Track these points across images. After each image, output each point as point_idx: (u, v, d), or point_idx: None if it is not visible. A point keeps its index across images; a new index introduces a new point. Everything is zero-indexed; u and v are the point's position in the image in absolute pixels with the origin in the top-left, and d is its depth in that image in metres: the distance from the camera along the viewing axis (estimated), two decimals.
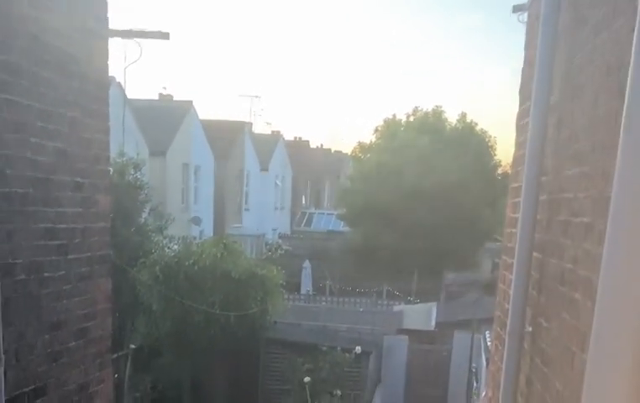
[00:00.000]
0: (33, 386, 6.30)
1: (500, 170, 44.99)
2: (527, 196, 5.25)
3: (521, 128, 6.47)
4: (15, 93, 5.77)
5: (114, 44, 7.68)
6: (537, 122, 5.14)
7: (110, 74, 7.79)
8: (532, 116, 5.20)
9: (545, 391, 4.91)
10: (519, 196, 5.64)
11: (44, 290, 6.38)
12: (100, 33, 7.32)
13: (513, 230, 6.25)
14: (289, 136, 66.75)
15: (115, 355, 15.04)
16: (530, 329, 5.44)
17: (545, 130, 5.13)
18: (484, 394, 12.57)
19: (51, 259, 6.46)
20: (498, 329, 7.26)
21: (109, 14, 7.52)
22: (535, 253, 5.35)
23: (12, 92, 5.72)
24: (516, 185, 6.44)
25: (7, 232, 5.70)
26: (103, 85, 7.47)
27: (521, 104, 6.63)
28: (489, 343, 17.28)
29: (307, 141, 72.40)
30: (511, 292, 5.51)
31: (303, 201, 68.76)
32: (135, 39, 8.19)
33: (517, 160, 6.57)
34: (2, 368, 5.60)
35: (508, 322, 5.53)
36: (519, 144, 6.52)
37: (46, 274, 6.39)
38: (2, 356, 5.57)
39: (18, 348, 6.01)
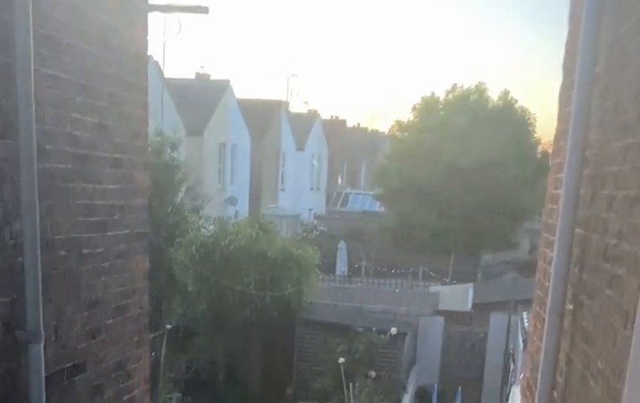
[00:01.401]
0: (72, 363, 6.31)
1: (539, 149, 44.50)
2: (570, 171, 5.17)
3: (564, 101, 6.37)
4: (55, 67, 5.75)
5: (154, 19, 7.65)
6: (582, 94, 5.04)
7: (149, 52, 7.78)
8: (576, 88, 5.10)
9: (586, 370, 4.84)
10: (561, 171, 5.55)
11: (83, 267, 6.39)
12: (140, 5, 7.30)
13: (554, 206, 6.17)
14: (326, 115, 66.77)
15: (152, 335, 15.14)
16: (571, 307, 5.36)
17: (589, 103, 5.04)
18: (521, 375, 12.49)
19: (90, 235, 6.46)
20: (537, 308, 7.19)
21: None
22: (577, 230, 5.27)
23: (52, 67, 5.70)
24: (558, 160, 6.35)
25: (48, 207, 5.70)
26: (143, 59, 7.45)
27: (565, 77, 6.53)
28: (526, 325, 17.21)
29: (344, 120, 72.54)
30: (552, 269, 5.43)
31: (339, 181, 68.78)
32: (174, 12, 8.16)
33: (560, 135, 6.47)
34: (42, 345, 5.62)
35: (548, 301, 5.46)
36: (562, 118, 6.42)
37: (85, 251, 6.39)
38: (42, 332, 5.58)
39: (57, 325, 6.02)
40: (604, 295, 4.48)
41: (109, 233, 6.81)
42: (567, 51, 6.53)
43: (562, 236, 5.29)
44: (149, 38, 7.54)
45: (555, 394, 5.53)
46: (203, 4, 7.94)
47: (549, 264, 5.97)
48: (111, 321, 7.03)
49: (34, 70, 5.27)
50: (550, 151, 8.15)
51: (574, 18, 6.27)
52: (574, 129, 5.12)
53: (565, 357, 5.46)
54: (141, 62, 7.39)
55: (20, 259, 5.40)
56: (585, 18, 5.02)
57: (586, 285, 5.04)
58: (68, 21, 5.92)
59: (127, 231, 7.20)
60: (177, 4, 8.04)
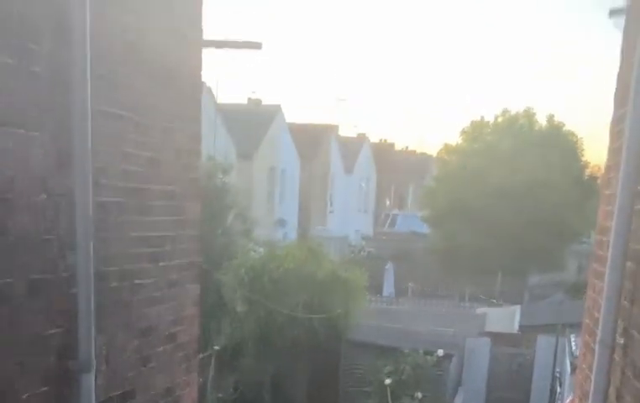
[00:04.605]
0: (121, 391, 6.39)
1: (587, 171, 44.39)
2: (621, 205, 5.16)
3: (615, 134, 6.35)
4: (110, 105, 5.86)
5: (207, 52, 7.74)
6: (634, 129, 5.02)
7: (202, 80, 7.87)
8: (629, 122, 5.09)
9: None
10: (612, 203, 5.53)
11: (135, 297, 6.47)
12: (195, 41, 7.38)
13: (605, 238, 6.14)
14: (374, 138, 66.90)
15: (200, 356, 15.23)
16: (622, 341, 5.33)
17: None
18: (568, 400, 12.38)
19: (142, 266, 6.54)
20: (587, 337, 7.15)
21: (203, 24, 7.59)
22: (629, 263, 5.25)
23: (107, 104, 5.81)
24: (609, 192, 6.32)
25: (102, 240, 5.79)
26: (196, 94, 7.53)
27: (615, 110, 6.50)
28: (574, 348, 17.04)
29: (393, 143, 72.54)
30: (603, 302, 5.41)
31: (387, 203, 68.73)
32: (228, 48, 8.24)
33: (611, 167, 6.44)
34: (93, 374, 5.70)
35: (598, 332, 5.44)
36: (613, 151, 6.39)
37: (137, 282, 6.47)
38: (94, 362, 5.67)
39: (108, 354, 6.10)
40: None
41: (161, 264, 6.90)
42: (618, 83, 6.50)
43: (613, 268, 5.28)
44: (203, 72, 7.65)
45: None
46: (255, 36, 8.03)
47: (599, 294, 5.95)
48: (161, 349, 7.10)
49: (90, 108, 5.37)
50: (598, 174, 8.11)
51: (626, 50, 6.25)
52: (626, 164, 5.11)
53: (616, 390, 5.44)
54: (195, 97, 7.48)
55: (74, 290, 5.49)
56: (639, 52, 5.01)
57: (637, 320, 5.01)
58: (123, 59, 6.03)
59: (178, 261, 7.27)
60: (231, 40, 8.12)
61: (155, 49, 6.52)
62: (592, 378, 5.56)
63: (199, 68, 7.57)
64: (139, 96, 6.28)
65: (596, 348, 5.48)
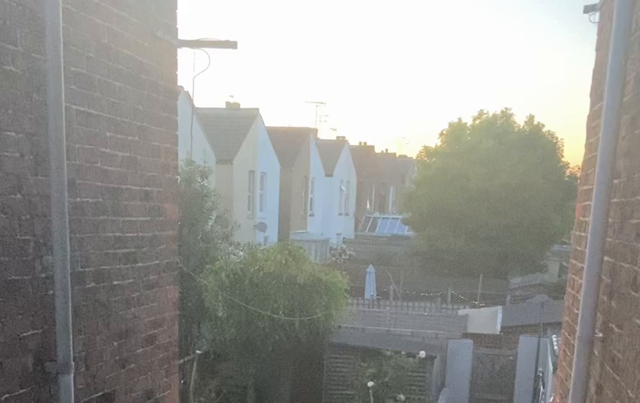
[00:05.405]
0: (101, 393, 6.38)
1: (567, 172, 44.60)
2: (598, 199, 5.16)
3: (592, 129, 6.37)
4: (86, 104, 5.86)
5: (183, 53, 7.73)
6: (610, 123, 5.04)
7: (178, 83, 7.87)
8: (604, 117, 5.10)
9: (616, 399, 4.82)
10: (590, 199, 5.55)
11: (113, 298, 6.45)
12: (170, 42, 7.37)
13: (583, 234, 6.17)
14: (354, 141, 66.92)
15: (181, 360, 15.19)
16: (600, 335, 5.34)
17: (617, 131, 5.03)
18: (551, 399, 12.41)
19: (120, 267, 6.53)
20: (566, 334, 7.17)
21: (178, 25, 7.59)
22: (606, 258, 5.26)
23: (83, 103, 5.81)
24: (586, 187, 6.35)
25: (78, 240, 5.78)
26: (172, 94, 7.53)
27: (592, 106, 6.53)
28: (556, 348, 17.09)
29: (372, 146, 72.36)
30: (581, 297, 5.42)
31: (368, 206, 68.78)
32: (203, 48, 8.21)
33: (588, 163, 6.47)
34: (72, 376, 5.67)
35: (578, 328, 5.45)
36: (590, 146, 6.42)
37: (115, 282, 6.46)
38: (72, 363, 5.64)
39: (87, 356, 6.09)
40: (634, 324, 4.46)
41: (139, 265, 6.88)
42: (594, 79, 6.53)
43: (590, 264, 5.28)
44: (178, 72, 7.64)
45: None
46: (232, 38, 8.00)
47: (578, 291, 5.96)
48: (140, 350, 7.09)
49: (65, 107, 5.36)
50: (578, 175, 8.16)
51: (601, 47, 6.27)
52: (602, 158, 5.12)
53: (595, 385, 5.45)
54: (171, 97, 7.47)
55: (51, 291, 5.47)
56: (613, 47, 5.02)
57: (616, 314, 5.02)
58: (98, 59, 6.02)
59: (156, 262, 7.26)
60: (206, 39, 8.10)
61: (130, 49, 6.52)
62: (572, 374, 5.57)
63: (174, 68, 7.57)
64: (115, 96, 6.28)
65: (576, 343, 5.49)
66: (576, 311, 5.79)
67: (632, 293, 4.54)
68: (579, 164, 7.39)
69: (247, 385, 21.52)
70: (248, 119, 40.05)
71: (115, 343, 6.56)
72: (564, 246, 40.29)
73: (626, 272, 4.77)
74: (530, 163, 40.41)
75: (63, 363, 5.58)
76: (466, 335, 25.60)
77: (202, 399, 20.02)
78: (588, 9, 6.72)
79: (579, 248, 6.49)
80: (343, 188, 57.88)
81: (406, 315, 29.31)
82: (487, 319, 28.34)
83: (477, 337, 25.34)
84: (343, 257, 42.29)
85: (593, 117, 6.38)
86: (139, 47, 6.69)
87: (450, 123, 45.99)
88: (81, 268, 5.90)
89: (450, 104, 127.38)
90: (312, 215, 50.76)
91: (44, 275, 5.42)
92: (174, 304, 7.81)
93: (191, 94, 22.42)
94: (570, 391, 5.58)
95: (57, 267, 5.44)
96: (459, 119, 46.01)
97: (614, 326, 5.03)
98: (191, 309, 20.05)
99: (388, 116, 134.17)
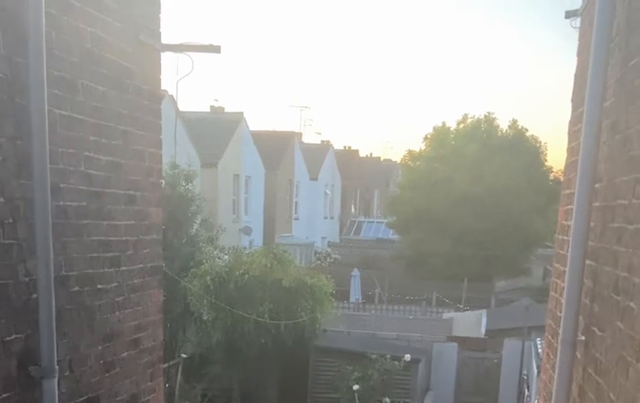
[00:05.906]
0: (86, 397, 6.36)
1: (551, 176, 44.76)
2: (579, 203, 5.18)
3: (573, 134, 6.40)
4: (69, 108, 5.85)
5: (166, 58, 7.73)
6: (591, 127, 5.06)
7: (162, 87, 7.87)
8: (585, 122, 5.12)
9: (598, 401, 4.85)
10: (571, 203, 5.57)
11: (98, 302, 6.45)
12: (153, 46, 7.37)
13: (565, 237, 6.19)
14: (338, 145, 66.95)
15: (166, 364, 15.18)
16: (583, 338, 5.37)
17: (599, 136, 5.06)
18: (535, 402, 12.45)
19: (104, 270, 6.52)
20: (550, 337, 7.20)
21: (162, 29, 7.59)
22: (588, 261, 5.28)
23: (66, 107, 5.80)
24: (568, 191, 6.37)
25: (62, 244, 5.77)
26: (156, 98, 7.53)
27: (573, 110, 6.56)
28: (540, 351, 17.15)
29: (357, 150, 72.43)
30: (564, 300, 5.44)
31: (353, 210, 68.85)
32: (187, 52, 8.22)
33: (570, 167, 6.49)
34: (56, 380, 5.66)
35: (560, 331, 5.46)
36: (572, 151, 6.45)
37: (99, 286, 6.45)
38: (56, 367, 5.63)
39: (71, 359, 6.08)
40: (615, 328, 4.48)
41: (123, 268, 6.88)
42: (575, 84, 6.56)
43: (573, 267, 5.30)
44: (162, 76, 7.64)
45: None
46: (216, 43, 8.02)
47: (561, 294, 5.98)
48: (125, 354, 7.08)
49: (48, 111, 5.35)
50: (561, 178, 8.19)
51: (582, 52, 6.30)
52: (584, 162, 5.14)
53: (578, 387, 5.47)
54: (154, 101, 7.47)
55: (35, 295, 5.45)
56: (594, 52, 5.04)
57: (598, 317, 5.05)
58: (82, 63, 6.02)
59: (141, 265, 7.26)
60: (190, 44, 8.11)
61: (113, 54, 6.51)
62: (555, 377, 5.58)
63: (158, 72, 7.57)
64: (99, 100, 6.27)
65: (559, 346, 5.50)
66: (559, 315, 5.81)
67: (614, 296, 4.57)
68: (563, 167, 7.41)
69: (232, 389, 21.53)
70: (232, 123, 40.01)
71: (99, 347, 6.54)
72: (548, 249, 40.44)
73: (608, 275, 4.79)
74: (514, 167, 40.60)
75: (47, 368, 5.56)
76: (451, 338, 25.69)
77: (188, 402, 20.00)
78: (569, 14, 6.76)
79: (561, 252, 6.51)
80: (328, 192, 57.90)
81: (392, 318, 29.39)
82: (472, 322, 28.43)
83: (462, 341, 25.42)
84: (328, 260, 42.31)
85: (575, 121, 6.41)
86: (122, 51, 6.68)
87: (435, 128, 46.27)
88: (65, 272, 5.89)
89: (437, 109, 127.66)
90: (296, 219, 50.76)
91: (27, 279, 5.40)
92: (158, 307, 7.81)
93: (175, 98, 22.49)
94: (553, 394, 5.60)
95: (41, 271, 5.42)
96: (444, 123, 46.28)
97: (596, 329, 5.05)
98: (176, 313, 20.03)
99: (373, 120, 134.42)
